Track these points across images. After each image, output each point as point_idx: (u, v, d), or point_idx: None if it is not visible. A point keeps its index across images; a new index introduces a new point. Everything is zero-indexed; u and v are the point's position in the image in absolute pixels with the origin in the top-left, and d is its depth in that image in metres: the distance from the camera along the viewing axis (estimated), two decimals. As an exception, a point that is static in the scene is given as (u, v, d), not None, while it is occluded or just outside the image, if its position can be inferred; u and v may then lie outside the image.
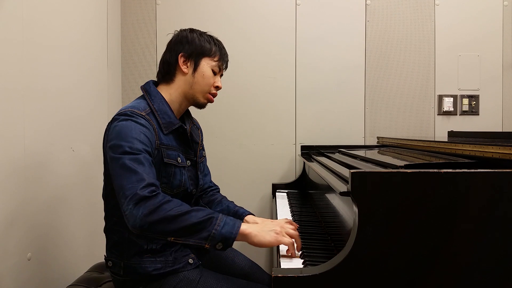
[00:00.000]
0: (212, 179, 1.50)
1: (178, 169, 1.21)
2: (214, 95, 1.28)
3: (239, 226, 1.02)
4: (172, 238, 1.00)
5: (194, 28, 1.28)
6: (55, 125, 1.51)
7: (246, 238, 1.02)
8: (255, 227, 1.05)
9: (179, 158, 1.21)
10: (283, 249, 1.10)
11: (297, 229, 1.23)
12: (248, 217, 1.33)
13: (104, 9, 2.02)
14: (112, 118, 1.14)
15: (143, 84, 1.27)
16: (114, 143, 1.08)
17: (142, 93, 1.24)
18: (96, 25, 1.93)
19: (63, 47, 1.57)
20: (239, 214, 1.34)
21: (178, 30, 1.28)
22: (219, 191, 1.48)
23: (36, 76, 1.38)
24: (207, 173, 1.47)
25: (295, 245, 1.06)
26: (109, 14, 2.08)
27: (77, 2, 1.71)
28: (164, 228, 0.97)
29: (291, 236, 1.05)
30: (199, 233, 0.98)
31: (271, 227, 1.05)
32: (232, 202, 1.42)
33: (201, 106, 1.29)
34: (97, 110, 1.90)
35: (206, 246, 1.00)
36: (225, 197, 1.44)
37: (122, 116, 1.12)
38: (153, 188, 1.00)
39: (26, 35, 1.31)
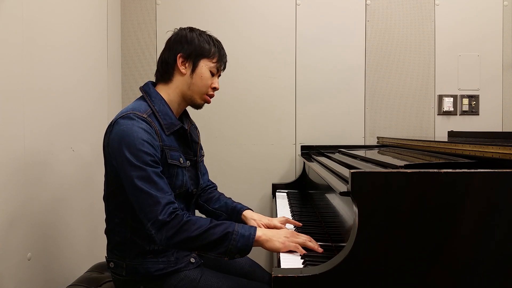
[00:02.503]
0: (212, 180, 1.51)
1: (180, 169, 1.21)
2: (211, 96, 1.27)
3: (254, 236, 1.07)
4: (196, 252, 1.11)
5: (193, 27, 1.27)
6: (55, 125, 1.51)
7: (259, 244, 1.08)
8: (269, 234, 1.09)
9: (181, 159, 1.22)
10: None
11: (298, 229, 1.27)
12: (246, 212, 1.36)
13: (104, 9, 2.02)
14: (114, 121, 1.13)
15: (142, 84, 1.26)
16: (116, 149, 1.09)
17: (142, 94, 1.24)
18: (96, 25, 1.93)
19: (63, 47, 1.57)
20: (237, 210, 1.37)
21: (178, 28, 1.27)
22: (216, 189, 1.50)
23: (36, 76, 1.38)
24: (204, 172, 1.47)
25: (313, 246, 1.09)
26: (109, 14, 2.08)
27: (77, 2, 1.71)
28: (186, 246, 1.07)
29: (298, 243, 1.08)
30: (217, 249, 1.05)
31: (282, 235, 1.10)
32: (230, 198, 1.44)
33: (198, 107, 1.28)
34: (97, 110, 1.90)
35: (226, 258, 1.07)
36: (222, 194, 1.46)
37: (124, 119, 1.11)
38: (171, 209, 1.05)
39: (26, 35, 1.31)
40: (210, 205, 1.41)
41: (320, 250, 1.08)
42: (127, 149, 1.07)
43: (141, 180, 1.05)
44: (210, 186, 1.48)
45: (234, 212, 1.37)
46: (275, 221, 1.31)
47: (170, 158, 1.17)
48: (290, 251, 1.07)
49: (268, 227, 1.29)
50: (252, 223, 1.31)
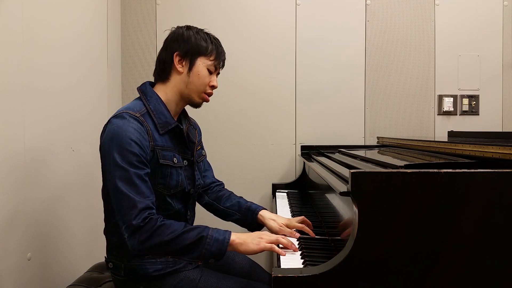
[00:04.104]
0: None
1: (175, 169, 1.20)
2: (210, 95, 1.26)
3: (228, 240, 1.06)
4: (169, 257, 1.11)
5: (191, 25, 1.26)
6: (55, 125, 1.51)
7: (233, 248, 1.07)
8: (243, 237, 1.08)
9: (175, 159, 1.20)
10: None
11: (297, 230, 1.28)
12: (263, 212, 1.34)
13: (104, 9, 2.02)
14: (108, 121, 1.14)
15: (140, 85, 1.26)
16: (106, 149, 1.09)
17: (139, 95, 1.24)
18: (96, 25, 1.93)
19: (63, 47, 1.57)
20: (253, 210, 1.35)
21: (175, 27, 1.26)
22: (224, 187, 1.48)
23: (36, 76, 1.38)
24: (207, 168, 1.46)
25: (287, 243, 1.10)
26: (109, 14, 2.08)
27: (77, 2, 1.71)
28: (159, 251, 1.05)
29: (271, 242, 1.08)
30: (191, 253, 1.04)
31: (256, 237, 1.10)
32: (242, 197, 1.42)
33: (196, 105, 1.26)
34: (97, 110, 1.90)
35: (199, 263, 1.07)
36: (232, 192, 1.45)
37: (116, 118, 1.11)
38: (146, 214, 1.03)
39: (26, 35, 1.31)
40: (220, 204, 1.39)
41: (293, 247, 1.09)
42: (115, 149, 1.06)
43: (122, 181, 1.04)
44: (217, 184, 1.47)
45: (249, 212, 1.35)
46: (293, 222, 1.29)
47: (162, 158, 1.16)
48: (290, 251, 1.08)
49: (288, 227, 1.28)
50: (271, 223, 1.29)
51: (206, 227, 1.08)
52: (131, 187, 1.04)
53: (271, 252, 1.09)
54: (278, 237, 1.10)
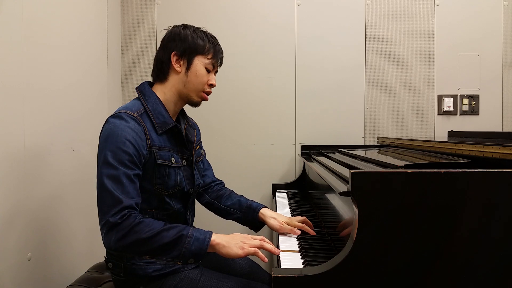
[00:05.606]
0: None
1: (173, 169, 1.19)
2: (208, 93, 1.25)
3: (209, 240, 1.04)
4: (147, 257, 1.06)
5: (188, 24, 1.25)
6: (55, 125, 1.51)
7: (215, 249, 1.05)
8: (225, 239, 1.06)
9: (173, 159, 1.19)
10: (283, 248, 1.12)
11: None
12: (264, 210, 1.34)
13: (104, 9, 2.02)
14: (106, 120, 1.14)
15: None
16: (101, 146, 1.09)
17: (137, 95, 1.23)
18: (96, 25, 1.93)
19: (63, 47, 1.57)
20: (253, 208, 1.35)
21: (172, 26, 1.25)
22: (224, 185, 1.48)
23: (36, 76, 1.38)
24: (207, 167, 1.46)
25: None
26: (109, 14, 2.08)
27: (77, 2, 1.71)
28: (137, 249, 1.02)
29: (255, 246, 1.06)
30: (170, 252, 1.01)
31: (239, 240, 1.07)
32: (242, 195, 1.42)
33: (195, 104, 1.26)
34: (97, 110, 1.90)
35: (178, 263, 1.04)
36: (233, 191, 1.44)
37: (114, 118, 1.11)
38: (125, 211, 1.01)
39: (26, 35, 1.31)
40: (221, 203, 1.39)
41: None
42: (109, 147, 1.06)
43: (109, 179, 1.03)
44: (217, 183, 1.47)
45: (250, 210, 1.35)
46: (294, 221, 1.29)
47: (159, 158, 1.15)
48: (289, 251, 1.07)
49: (288, 225, 1.28)
50: (272, 221, 1.29)
51: (187, 226, 1.07)
52: (118, 186, 1.03)
53: (228, 258, 1.07)
54: (262, 242, 1.08)
